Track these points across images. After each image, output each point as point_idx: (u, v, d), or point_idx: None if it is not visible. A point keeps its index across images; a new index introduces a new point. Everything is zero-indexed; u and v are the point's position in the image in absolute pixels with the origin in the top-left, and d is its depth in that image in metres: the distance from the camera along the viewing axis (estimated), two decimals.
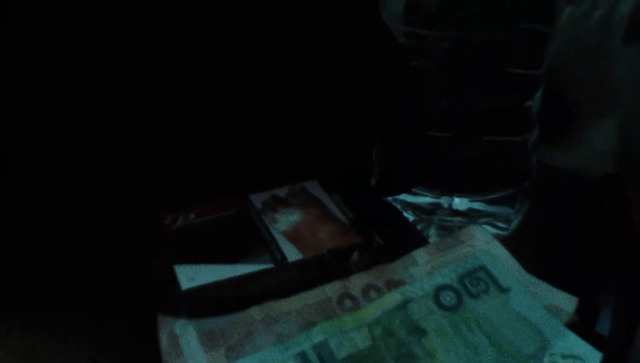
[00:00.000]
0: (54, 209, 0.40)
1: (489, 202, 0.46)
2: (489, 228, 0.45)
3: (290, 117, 0.44)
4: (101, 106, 0.39)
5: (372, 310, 0.36)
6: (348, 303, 0.36)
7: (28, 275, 0.39)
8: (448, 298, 0.36)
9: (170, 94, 0.41)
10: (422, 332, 0.35)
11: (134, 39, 0.38)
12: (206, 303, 0.37)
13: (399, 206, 0.47)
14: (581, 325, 0.35)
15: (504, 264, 0.37)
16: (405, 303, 0.36)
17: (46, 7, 0.36)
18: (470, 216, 0.46)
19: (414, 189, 0.46)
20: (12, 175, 0.40)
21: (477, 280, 0.37)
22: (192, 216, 0.43)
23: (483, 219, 0.46)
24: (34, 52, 0.37)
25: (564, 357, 0.32)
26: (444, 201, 0.46)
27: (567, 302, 0.36)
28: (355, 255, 0.40)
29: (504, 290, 0.36)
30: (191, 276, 0.37)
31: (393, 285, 0.38)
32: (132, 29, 0.38)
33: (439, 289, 0.37)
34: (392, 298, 0.37)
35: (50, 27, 0.37)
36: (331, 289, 0.37)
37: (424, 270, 0.38)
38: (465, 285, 0.37)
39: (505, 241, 0.40)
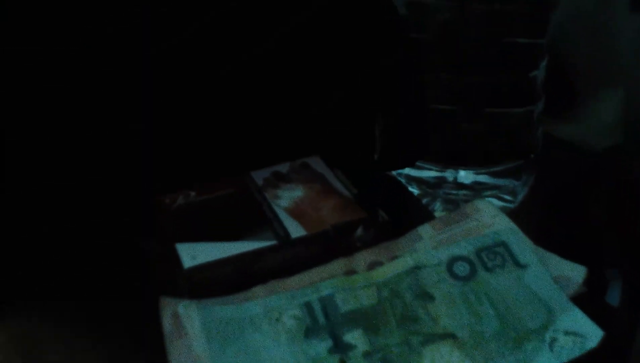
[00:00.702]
0: (53, 193, 0.40)
1: (495, 175, 0.46)
2: (494, 201, 0.45)
3: (292, 91, 0.43)
4: (99, 89, 0.39)
5: (383, 272, 0.36)
6: None
7: (31, 262, 0.38)
8: (462, 268, 0.36)
9: (170, 75, 0.40)
10: (429, 297, 0.35)
11: (135, 34, 0.38)
12: (209, 282, 0.36)
13: (403, 181, 0.47)
14: (590, 296, 0.35)
15: (524, 240, 0.37)
16: (416, 269, 0.36)
17: (46, 6, 0.36)
18: (476, 189, 0.46)
19: (418, 163, 0.46)
20: (12, 157, 0.39)
21: (495, 254, 0.37)
22: (192, 194, 0.42)
23: (489, 192, 0.46)
24: (33, 52, 0.37)
25: (566, 333, 0.32)
26: (449, 174, 0.46)
27: (577, 272, 0.36)
28: (359, 231, 0.39)
29: (521, 267, 0.36)
30: (193, 254, 0.37)
31: None
32: (132, 29, 0.38)
33: (454, 259, 0.37)
34: (404, 262, 0.37)
35: (50, 26, 0.37)
36: (336, 266, 0.37)
37: (430, 245, 0.38)
38: (481, 258, 0.37)
39: (512, 214, 0.40)
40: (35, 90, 0.38)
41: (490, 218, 0.39)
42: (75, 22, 0.37)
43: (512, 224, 0.38)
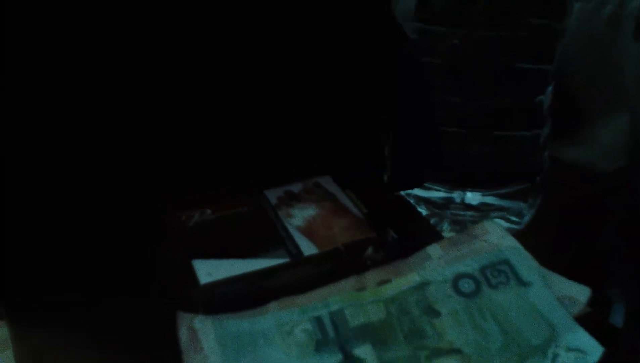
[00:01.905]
0: (70, 205, 0.40)
1: (502, 196, 0.46)
2: (501, 222, 0.46)
3: (304, 113, 0.44)
4: (108, 102, 0.39)
5: (390, 288, 0.37)
6: None
7: (44, 272, 0.39)
8: (467, 285, 0.37)
9: (183, 91, 0.41)
10: (435, 313, 0.36)
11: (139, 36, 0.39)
12: (224, 298, 0.37)
13: (412, 201, 0.48)
14: (594, 316, 0.35)
15: (527, 259, 0.38)
16: (423, 285, 0.37)
17: (46, 6, 0.36)
18: (483, 210, 0.46)
19: (426, 184, 0.46)
20: (18, 174, 0.40)
21: (499, 272, 0.37)
22: (208, 212, 0.43)
23: (496, 214, 0.46)
24: (33, 52, 0.37)
25: (568, 349, 0.33)
26: (456, 195, 0.46)
27: (581, 293, 0.36)
28: (370, 250, 0.40)
29: (524, 284, 0.37)
30: (209, 271, 0.38)
31: None
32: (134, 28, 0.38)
33: (459, 276, 0.37)
34: (411, 278, 0.38)
35: (50, 26, 0.37)
36: (347, 284, 0.38)
37: (439, 266, 0.39)
38: (486, 275, 0.37)
39: (518, 236, 0.40)
40: (37, 90, 0.38)
41: (498, 238, 0.40)
42: (75, 22, 0.37)
43: (516, 243, 0.39)
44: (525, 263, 0.38)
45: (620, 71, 0.51)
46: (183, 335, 0.34)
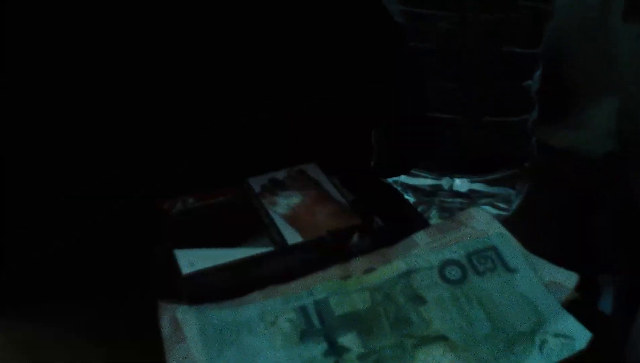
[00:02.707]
0: (54, 196, 0.40)
1: (490, 183, 0.46)
2: (489, 209, 0.45)
3: (289, 99, 0.43)
4: (97, 96, 0.39)
5: (376, 276, 0.37)
6: None
7: (32, 264, 0.39)
8: (453, 272, 0.37)
9: (166, 78, 0.40)
10: (421, 300, 0.35)
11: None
12: (207, 288, 0.37)
13: (399, 188, 0.47)
14: (582, 302, 0.35)
15: (514, 245, 0.38)
16: (408, 272, 0.37)
17: (46, 6, 0.36)
18: (471, 197, 0.46)
19: (414, 171, 0.46)
20: (14, 159, 0.39)
21: (485, 259, 0.37)
22: (190, 200, 0.42)
23: (484, 200, 0.46)
24: (33, 51, 0.37)
25: (555, 335, 0.33)
26: (444, 182, 0.46)
27: (568, 279, 0.36)
28: (355, 237, 0.40)
29: (510, 271, 0.37)
30: (191, 261, 0.37)
31: None
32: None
33: (445, 263, 0.37)
34: (397, 266, 0.37)
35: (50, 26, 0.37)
36: (332, 272, 0.37)
37: (425, 253, 0.38)
38: (472, 262, 0.37)
39: (507, 222, 0.40)
40: (33, 88, 0.38)
41: (485, 225, 0.40)
42: (74, 22, 0.37)
43: (502, 230, 0.39)
44: (512, 249, 0.38)
45: (610, 53, 0.51)
46: (165, 325, 0.34)
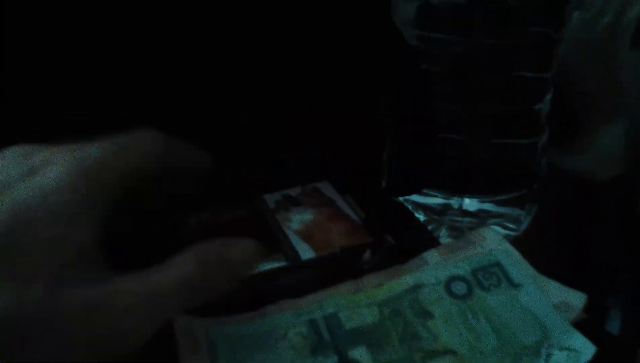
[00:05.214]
0: None
1: (499, 203, 0.47)
2: (499, 228, 0.46)
3: (303, 118, 0.44)
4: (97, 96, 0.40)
5: (384, 291, 0.37)
6: None
7: None
8: (459, 287, 0.37)
9: (182, 94, 0.41)
10: (429, 315, 0.36)
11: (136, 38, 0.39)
12: (221, 301, 0.37)
13: (410, 207, 0.48)
14: (590, 322, 0.35)
15: (518, 262, 0.38)
16: (415, 287, 0.37)
17: (46, 6, 0.37)
18: (481, 217, 0.47)
19: (424, 190, 0.47)
20: None
21: (490, 275, 0.38)
22: (206, 216, 0.43)
23: (493, 220, 0.47)
24: (33, 51, 0.37)
25: (561, 348, 0.33)
26: (454, 202, 0.47)
27: (577, 299, 0.36)
28: (366, 254, 0.40)
29: (515, 286, 0.37)
30: None
31: None
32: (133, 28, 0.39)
33: (451, 279, 0.38)
34: (405, 281, 0.38)
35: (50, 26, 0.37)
36: (344, 288, 0.38)
37: (432, 269, 0.39)
38: (477, 277, 0.38)
39: (516, 242, 0.41)
40: (38, 88, 0.38)
41: (495, 245, 0.40)
42: (74, 22, 0.37)
43: (508, 246, 0.39)
44: (516, 265, 0.38)
45: (617, 80, 0.51)
46: (180, 338, 0.34)
